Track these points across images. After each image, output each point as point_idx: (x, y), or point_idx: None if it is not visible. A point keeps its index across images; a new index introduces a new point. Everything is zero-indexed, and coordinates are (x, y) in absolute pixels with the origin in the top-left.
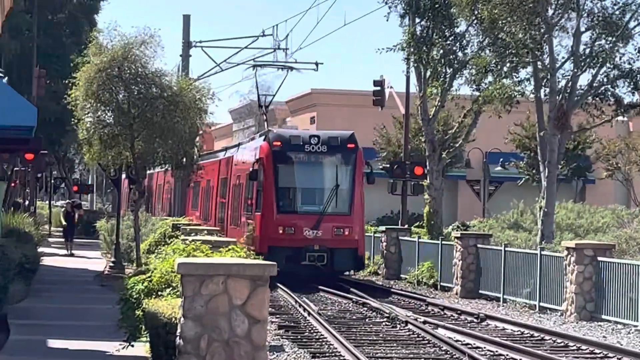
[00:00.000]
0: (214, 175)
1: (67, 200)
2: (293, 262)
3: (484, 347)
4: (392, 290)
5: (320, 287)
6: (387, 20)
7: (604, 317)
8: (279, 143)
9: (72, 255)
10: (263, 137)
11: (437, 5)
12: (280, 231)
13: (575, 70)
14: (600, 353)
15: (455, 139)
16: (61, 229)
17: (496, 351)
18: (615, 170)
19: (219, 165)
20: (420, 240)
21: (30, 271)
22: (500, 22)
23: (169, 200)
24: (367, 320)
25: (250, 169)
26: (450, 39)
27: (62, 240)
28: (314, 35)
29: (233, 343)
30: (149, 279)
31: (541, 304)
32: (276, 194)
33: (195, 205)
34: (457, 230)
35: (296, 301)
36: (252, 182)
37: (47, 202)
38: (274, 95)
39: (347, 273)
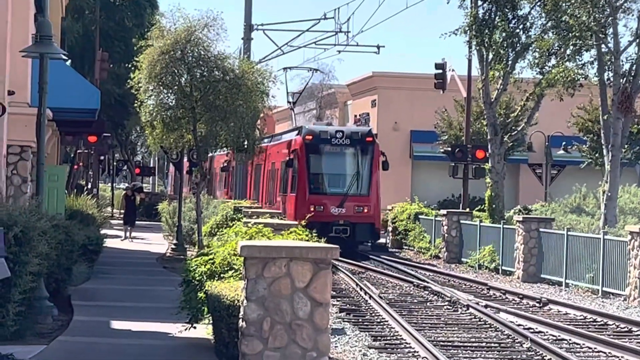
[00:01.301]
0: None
1: (127, 184)
2: (322, 234)
3: (546, 332)
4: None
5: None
6: (448, 2)
7: None
8: (310, 137)
9: (131, 240)
10: (297, 132)
11: None
12: (312, 209)
13: None
14: None
15: (517, 122)
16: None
17: (558, 336)
18: None
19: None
20: (481, 224)
21: (94, 253)
22: (563, 4)
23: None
24: (428, 303)
25: (287, 158)
26: (513, 21)
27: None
28: (375, 18)
29: (295, 326)
30: (211, 261)
31: (604, 288)
32: (308, 178)
33: (232, 186)
34: (518, 214)
35: (357, 284)
36: (288, 168)
37: (110, 184)
38: (300, 93)
39: (407, 258)
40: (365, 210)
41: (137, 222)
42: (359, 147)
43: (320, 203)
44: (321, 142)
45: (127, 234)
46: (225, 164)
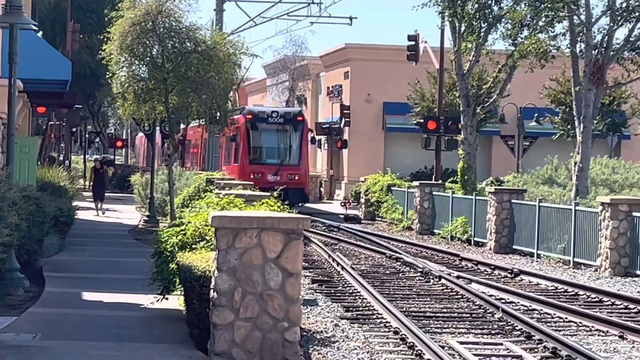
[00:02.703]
0: (199, 137)
1: (96, 157)
2: None
3: (518, 302)
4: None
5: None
6: None
7: (638, 272)
8: (250, 116)
9: (103, 213)
10: (239, 112)
11: None
12: (252, 176)
13: (612, 24)
14: (634, 308)
15: (489, 94)
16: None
17: (530, 306)
18: None
19: (202, 130)
20: (454, 195)
21: (65, 224)
22: None
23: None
24: (400, 275)
25: (231, 134)
26: None
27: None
28: None
29: (267, 296)
30: (182, 232)
31: (575, 259)
32: (248, 151)
33: (187, 157)
34: (491, 186)
35: (329, 255)
36: (231, 142)
37: (82, 156)
38: (242, 77)
39: (380, 229)
40: (297, 178)
41: (110, 194)
42: (291, 125)
43: (259, 171)
44: (259, 121)
45: (99, 206)
46: (181, 138)
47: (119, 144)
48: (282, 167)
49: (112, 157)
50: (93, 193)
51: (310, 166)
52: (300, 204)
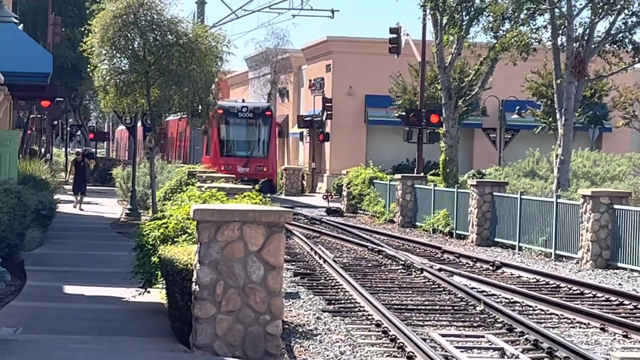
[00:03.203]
0: (175, 130)
1: (77, 149)
2: None
3: (500, 295)
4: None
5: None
6: None
7: (619, 264)
8: (221, 111)
9: (81, 209)
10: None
11: None
12: (223, 168)
13: (593, 17)
14: (615, 300)
15: (471, 86)
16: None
17: (511, 298)
18: (632, 118)
19: (177, 124)
20: (435, 188)
21: (47, 218)
22: None
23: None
24: (382, 267)
25: (203, 127)
26: None
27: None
28: None
29: (249, 289)
30: (164, 225)
31: (557, 251)
32: (220, 144)
33: (169, 150)
34: (473, 178)
35: (312, 248)
36: (204, 136)
37: (63, 149)
38: (218, 69)
39: (362, 222)
40: (265, 169)
41: (91, 188)
42: (260, 120)
43: (229, 163)
44: (230, 115)
45: (78, 205)
46: (161, 130)
47: (93, 136)
48: (251, 160)
49: (94, 150)
50: (73, 186)
51: (292, 159)
52: (268, 195)
